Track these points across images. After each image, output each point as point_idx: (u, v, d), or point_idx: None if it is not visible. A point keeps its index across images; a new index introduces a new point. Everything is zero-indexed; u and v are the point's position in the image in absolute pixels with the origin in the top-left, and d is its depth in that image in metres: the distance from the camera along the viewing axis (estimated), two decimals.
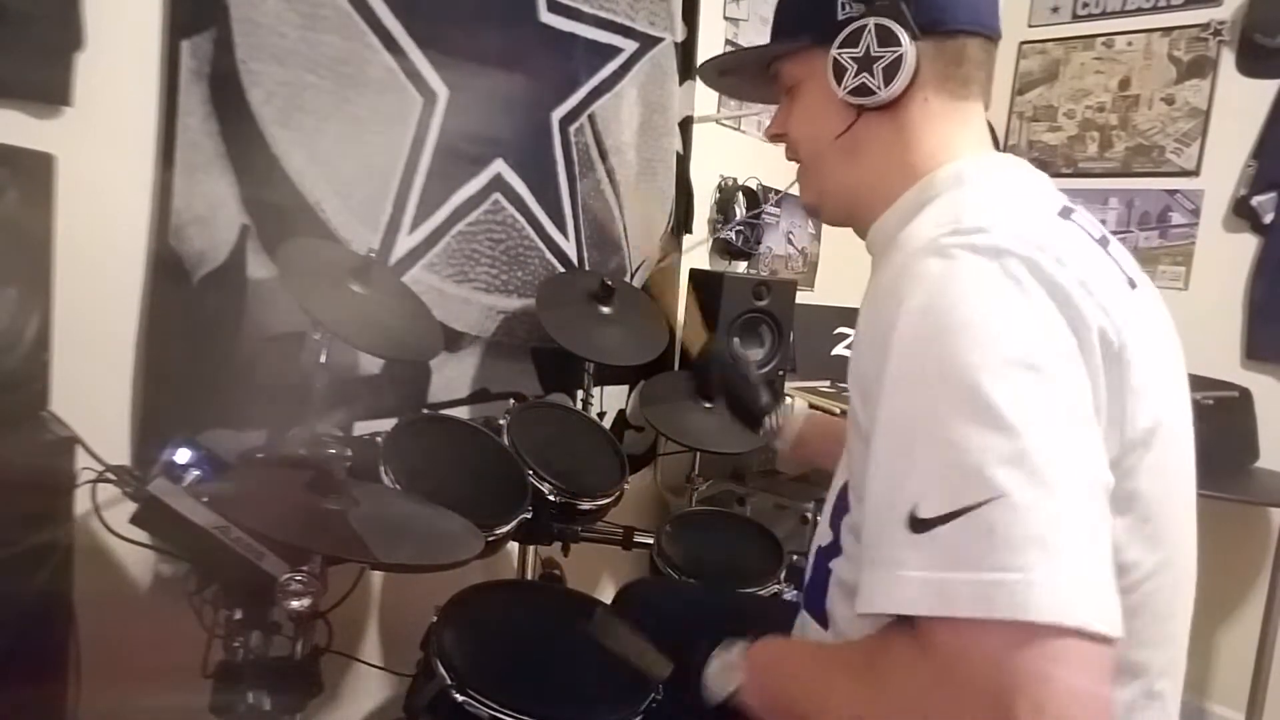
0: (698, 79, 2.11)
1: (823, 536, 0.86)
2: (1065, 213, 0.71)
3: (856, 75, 0.76)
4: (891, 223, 0.78)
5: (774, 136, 0.90)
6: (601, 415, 1.85)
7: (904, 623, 0.59)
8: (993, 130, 0.84)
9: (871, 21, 0.74)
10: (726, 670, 0.77)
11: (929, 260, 0.63)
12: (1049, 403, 0.57)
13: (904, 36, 0.73)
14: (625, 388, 2.08)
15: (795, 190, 0.92)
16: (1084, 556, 0.54)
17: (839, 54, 0.76)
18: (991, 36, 0.79)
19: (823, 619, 0.81)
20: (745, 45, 2.28)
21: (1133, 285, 0.70)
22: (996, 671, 0.52)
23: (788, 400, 1.28)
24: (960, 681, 0.54)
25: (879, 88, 0.75)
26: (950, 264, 0.61)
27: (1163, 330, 0.72)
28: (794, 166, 0.89)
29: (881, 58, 0.74)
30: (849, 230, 0.88)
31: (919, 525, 0.57)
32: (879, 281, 0.70)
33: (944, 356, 0.58)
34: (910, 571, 0.57)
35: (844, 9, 0.77)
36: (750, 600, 1.35)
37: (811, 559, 0.88)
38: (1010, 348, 0.57)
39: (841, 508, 0.79)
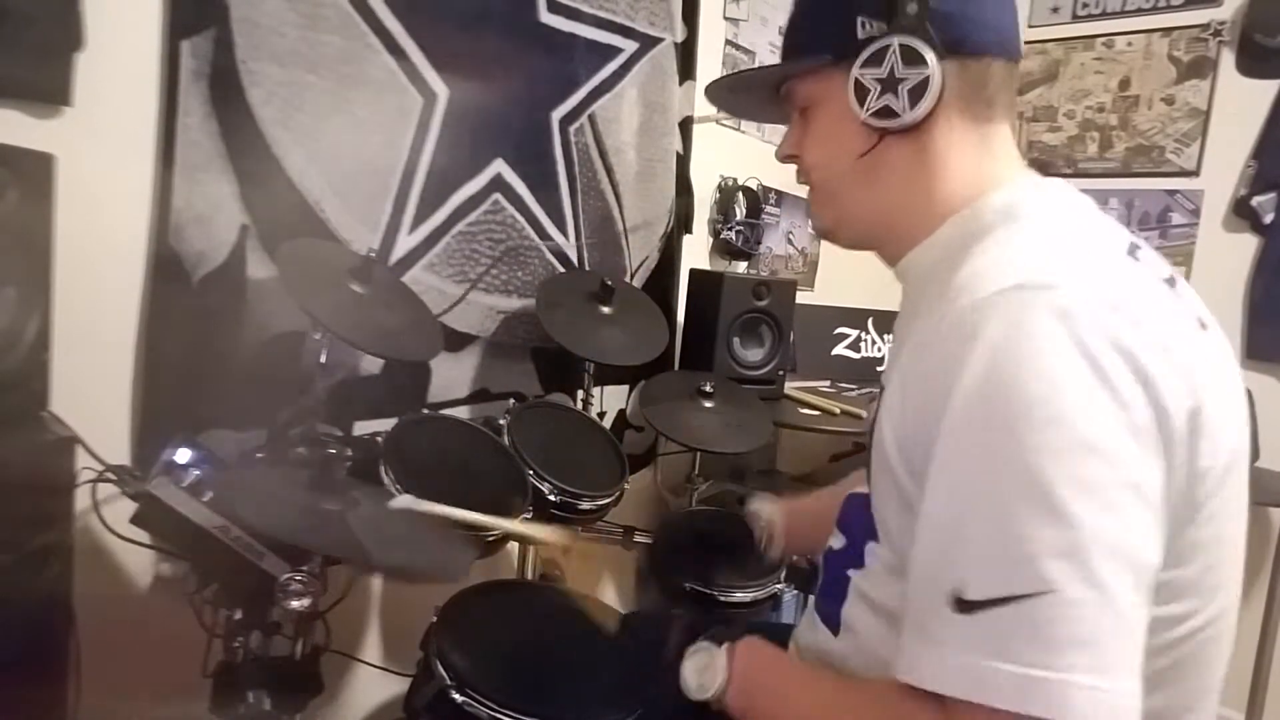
0: (699, 78, 2.11)
1: (835, 540, 0.85)
2: (1132, 250, 0.69)
3: (880, 97, 0.72)
4: (935, 256, 0.75)
5: (786, 158, 0.87)
6: (601, 415, 1.85)
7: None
8: None
9: (896, 41, 0.71)
10: (707, 669, 0.77)
11: (992, 318, 0.60)
12: (1112, 490, 0.55)
13: (930, 57, 0.70)
14: (625, 388, 2.08)
15: (799, 191, 0.91)
16: (1125, 664, 0.54)
17: (861, 75, 0.73)
18: (1014, 58, 0.77)
19: (832, 623, 0.81)
20: (745, 45, 2.28)
21: (1203, 326, 0.68)
22: None
23: (758, 509, 1.20)
24: None
25: (904, 110, 0.72)
26: (1017, 326, 0.58)
27: (1231, 371, 0.70)
28: (794, 168, 0.87)
29: (906, 79, 0.71)
30: None
31: (965, 606, 0.56)
32: (931, 330, 0.66)
33: (1007, 433, 0.56)
34: (952, 653, 0.57)
35: (864, 28, 0.74)
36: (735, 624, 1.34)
37: (823, 561, 0.87)
38: (1078, 429, 0.55)
39: (861, 524, 0.78)
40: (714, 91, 0.93)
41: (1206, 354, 0.65)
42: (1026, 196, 0.73)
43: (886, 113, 0.73)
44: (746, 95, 0.93)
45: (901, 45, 0.71)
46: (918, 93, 0.71)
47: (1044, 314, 0.58)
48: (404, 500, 0.98)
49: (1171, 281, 0.68)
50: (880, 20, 0.73)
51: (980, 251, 0.69)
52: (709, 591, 1.20)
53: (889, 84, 0.72)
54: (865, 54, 0.73)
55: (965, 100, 0.74)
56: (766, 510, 1.19)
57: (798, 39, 0.82)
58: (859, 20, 0.74)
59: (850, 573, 0.79)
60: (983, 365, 0.58)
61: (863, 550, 0.78)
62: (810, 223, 0.90)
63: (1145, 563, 0.57)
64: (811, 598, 0.90)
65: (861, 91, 0.74)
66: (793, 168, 0.86)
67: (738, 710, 0.76)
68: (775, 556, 1.18)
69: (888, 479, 0.69)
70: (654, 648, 0.87)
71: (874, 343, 2.64)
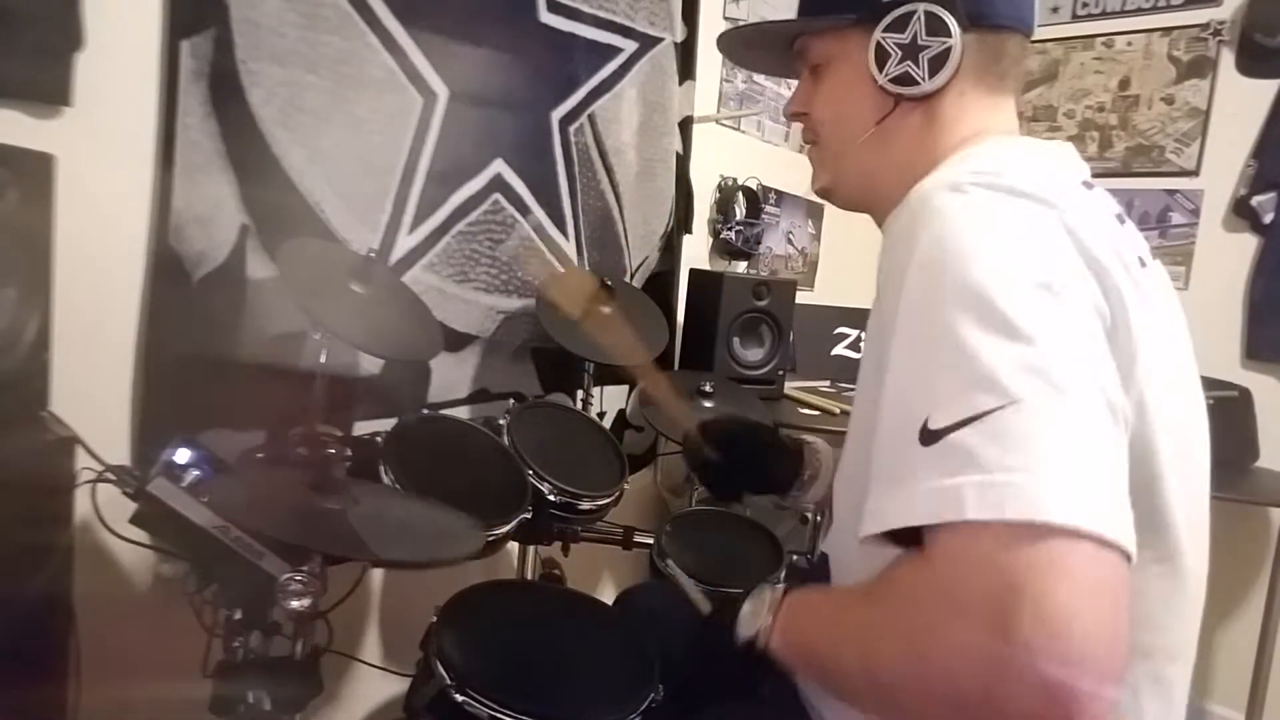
0: (699, 78, 2.11)
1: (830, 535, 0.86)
2: (1087, 185, 0.70)
3: (900, 63, 0.72)
4: None
5: (794, 115, 0.86)
6: (601, 415, 1.85)
7: (914, 550, 0.55)
8: None
9: (922, 8, 0.71)
10: (755, 614, 0.73)
11: (943, 195, 0.61)
12: (1063, 320, 0.55)
13: (954, 27, 0.70)
14: (625, 388, 2.08)
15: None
16: (1100, 464, 0.52)
17: (884, 38, 0.73)
18: (1029, 33, 0.77)
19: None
20: None
21: (1142, 264, 0.68)
22: (998, 573, 0.48)
23: (818, 445, 1.11)
24: (959, 586, 0.50)
25: (923, 78, 0.72)
26: (965, 198, 0.60)
27: (1172, 313, 0.70)
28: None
29: (929, 47, 0.71)
30: (849, 230, 0.88)
31: (930, 437, 0.54)
32: (890, 235, 0.68)
33: (957, 278, 0.56)
34: (919, 482, 0.53)
35: None
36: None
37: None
38: (1025, 269, 0.56)
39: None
40: (726, 41, 0.92)
41: (1144, 287, 0.65)
42: (998, 136, 0.74)
43: (905, 79, 0.73)
44: (759, 50, 0.92)
45: (927, 12, 0.71)
46: (938, 62, 0.71)
47: (990, 190, 0.60)
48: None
49: (1121, 219, 0.70)
50: None
51: (941, 168, 0.71)
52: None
53: (910, 51, 0.72)
54: (890, 18, 0.73)
55: (979, 72, 0.74)
56: (821, 448, 1.11)
57: None
58: None
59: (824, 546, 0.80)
60: (933, 231, 0.59)
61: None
62: (811, 182, 0.89)
63: (1108, 386, 0.55)
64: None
65: (882, 55, 0.73)
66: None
67: (778, 647, 0.71)
68: (816, 496, 1.09)
69: (868, 402, 0.66)
70: (663, 616, 0.85)
71: None
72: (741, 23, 2.26)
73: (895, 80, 0.73)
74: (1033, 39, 0.79)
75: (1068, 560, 0.48)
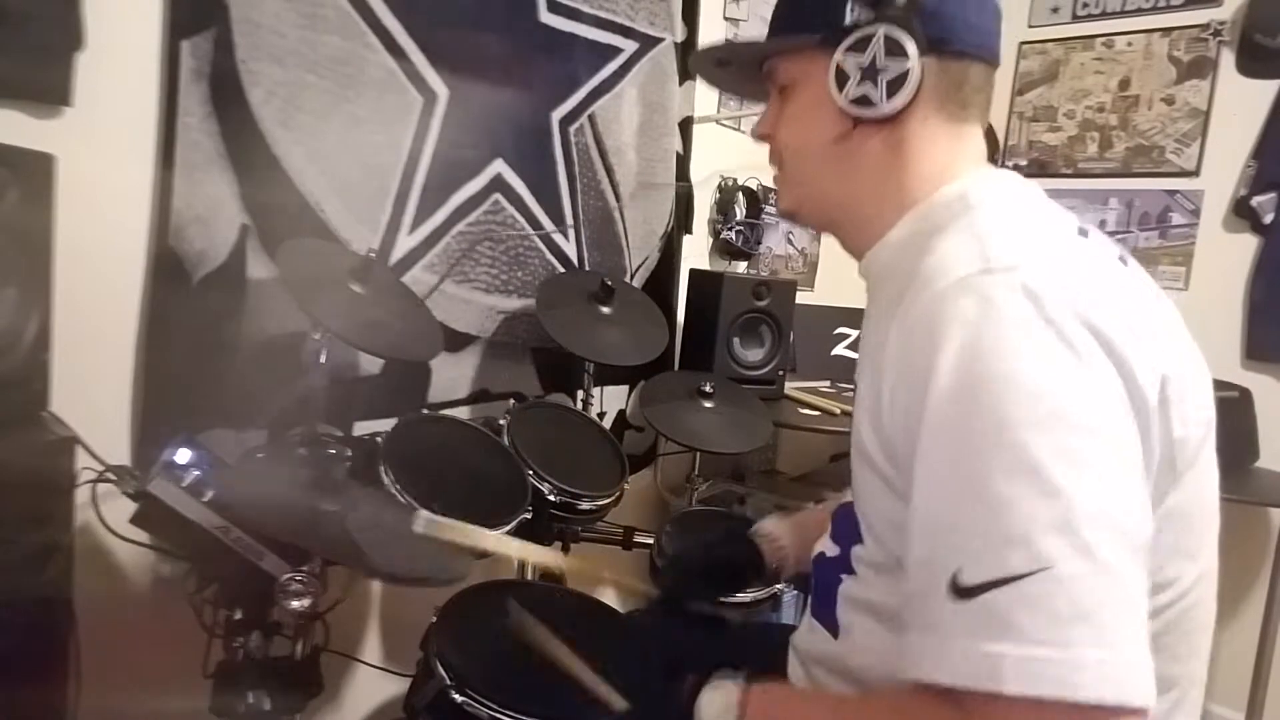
0: (697, 78, 2.11)
1: (828, 547, 0.85)
2: (1081, 231, 0.71)
3: (859, 84, 0.73)
4: (893, 251, 0.76)
5: (761, 137, 0.87)
6: (601, 415, 1.85)
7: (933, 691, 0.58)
8: (993, 131, 0.83)
9: (881, 30, 0.71)
10: (724, 711, 0.74)
11: (963, 302, 0.61)
12: (1095, 459, 0.56)
13: (913, 50, 0.71)
14: (625, 388, 2.08)
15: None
16: (1128, 633, 0.54)
17: (843, 60, 0.74)
18: (993, 63, 0.78)
19: (830, 626, 0.81)
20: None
21: (1157, 298, 0.69)
22: None
23: (769, 531, 1.12)
24: None
25: (880, 100, 0.72)
26: (987, 308, 0.59)
27: (1186, 339, 0.71)
28: None
29: (887, 69, 0.71)
30: None
31: (963, 592, 0.56)
32: (903, 319, 0.67)
33: (987, 413, 0.57)
34: (954, 640, 0.56)
35: (853, 12, 0.74)
36: (740, 627, 1.31)
37: (815, 566, 0.87)
38: (1055, 401, 0.56)
39: (849, 529, 0.78)
40: (700, 62, 0.93)
41: (1164, 323, 0.67)
42: (977, 186, 0.74)
43: (864, 101, 0.73)
44: (731, 72, 0.93)
45: (886, 35, 0.71)
46: (896, 85, 0.72)
47: (1012, 294, 0.59)
48: (423, 522, 0.98)
49: (1124, 260, 0.71)
50: (869, 8, 0.74)
51: (940, 241, 0.69)
52: (712, 613, 1.19)
53: (869, 72, 0.72)
54: (850, 39, 0.73)
55: (941, 99, 0.75)
56: (777, 531, 1.13)
57: (786, 16, 0.83)
58: (849, 4, 0.75)
59: (842, 577, 0.79)
60: (957, 349, 0.59)
61: (850, 556, 0.78)
62: (776, 202, 0.90)
63: (1135, 530, 0.57)
64: (810, 599, 0.90)
65: (842, 77, 0.74)
66: None
67: None
68: (788, 576, 1.14)
69: (869, 474, 0.70)
70: (656, 664, 0.86)
71: None
72: (741, 22, 2.26)
73: (855, 102, 0.74)
74: (998, 64, 0.78)
75: None
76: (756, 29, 2.29)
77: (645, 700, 0.85)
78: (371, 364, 1.50)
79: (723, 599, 1.22)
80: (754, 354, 2.07)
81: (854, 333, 2.58)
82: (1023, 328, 0.58)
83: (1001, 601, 0.54)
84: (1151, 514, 0.59)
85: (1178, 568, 0.66)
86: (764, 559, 1.09)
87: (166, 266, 1.22)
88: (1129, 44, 2.51)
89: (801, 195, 0.85)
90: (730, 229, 2.28)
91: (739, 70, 0.90)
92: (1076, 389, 0.57)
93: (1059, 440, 0.55)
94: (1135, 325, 0.61)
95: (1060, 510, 0.54)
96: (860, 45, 0.73)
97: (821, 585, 0.85)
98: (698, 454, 1.98)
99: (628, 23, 1.91)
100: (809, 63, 0.78)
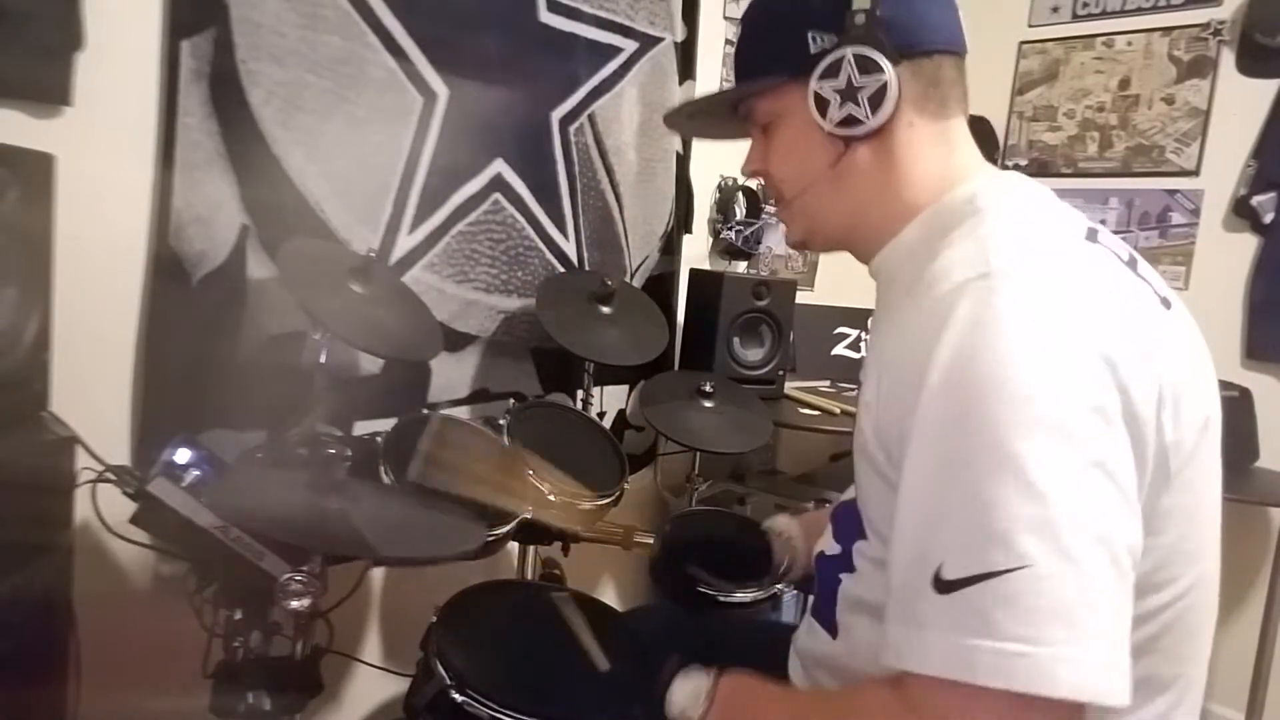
0: (698, 78, 2.11)
1: (829, 546, 0.85)
2: (1091, 235, 0.71)
3: (841, 106, 0.74)
4: (904, 253, 0.77)
5: (754, 173, 0.89)
6: (601, 415, 1.85)
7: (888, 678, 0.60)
8: (993, 131, 0.83)
9: (849, 51, 0.73)
10: (692, 698, 0.77)
11: (961, 305, 0.62)
12: (1079, 468, 0.56)
13: (884, 62, 0.72)
14: (625, 388, 2.08)
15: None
16: (1103, 632, 0.55)
17: (820, 87, 0.75)
18: (961, 54, 0.79)
19: (829, 627, 0.81)
20: None
21: (1166, 305, 0.70)
22: None
23: (782, 528, 1.13)
24: None
25: (866, 116, 0.73)
26: (984, 311, 0.60)
27: (1197, 345, 0.71)
28: None
29: (864, 86, 0.73)
30: None
31: (944, 585, 0.57)
32: (904, 321, 0.69)
33: (976, 414, 0.58)
34: (934, 632, 0.58)
35: (815, 42, 0.76)
36: (735, 624, 1.32)
37: (817, 566, 0.87)
38: (1045, 408, 0.56)
39: (852, 528, 0.79)
40: (673, 119, 0.96)
41: (1170, 331, 0.67)
42: (987, 189, 0.75)
43: (850, 121, 0.75)
44: (705, 118, 0.96)
45: (855, 55, 0.73)
46: (877, 98, 0.73)
47: (1009, 300, 0.60)
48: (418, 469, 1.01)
49: (1133, 263, 0.71)
50: (830, 33, 0.75)
51: (947, 245, 0.70)
52: (710, 593, 1.19)
53: (848, 93, 0.74)
54: (821, 66, 0.75)
55: (921, 100, 0.76)
56: (789, 529, 1.14)
57: (751, 58, 0.85)
58: (809, 35, 0.76)
59: (842, 576, 0.80)
60: (951, 351, 0.60)
61: (852, 553, 0.79)
62: (784, 236, 0.91)
63: (1117, 538, 0.57)
64: (810, 599, 0.90)
65: (822, 103, 0.75)
66: None
67: None
68: (797, 576, 1.14)
69: (870, 471, 0.71)
70: (644, 661, 0.87)
71: None
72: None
73: (841, 124, 0.75)
74: (965, 53, 0.79)
75: None
76: None
77: (625, 682, 0.88)
78: (371, 364, 1.50)
79: (724, 580, 1.21)
80: (754, 354, 2.07)
81: (854, 333, 2.58)
82: (1016, 333, 0.59)
83: (981, 597, 0.56)
84: (1141, 520, 0.59)
85: (1177, 568, 0.66)
86: (773, 551, 1.09)
87: (166, 266, 1.22)
88: (1129, 43, 2.51)
89: (809, 226, 0.86)
90: (730, 229, 2.27)
91: (713, 118, 0.93)
92: (1064, 397, 0.57)
93: (1046, 445, 0.56)
94: (1133, 333, 0.62)
95: (1041, 512, 0.55)
96: (832, 70, 0.74)
97: (823, 584, 0.85)
98: (698, 454, 1.98)
99: (628, 22, 1.91)
100: (785, 97, 0.80)
